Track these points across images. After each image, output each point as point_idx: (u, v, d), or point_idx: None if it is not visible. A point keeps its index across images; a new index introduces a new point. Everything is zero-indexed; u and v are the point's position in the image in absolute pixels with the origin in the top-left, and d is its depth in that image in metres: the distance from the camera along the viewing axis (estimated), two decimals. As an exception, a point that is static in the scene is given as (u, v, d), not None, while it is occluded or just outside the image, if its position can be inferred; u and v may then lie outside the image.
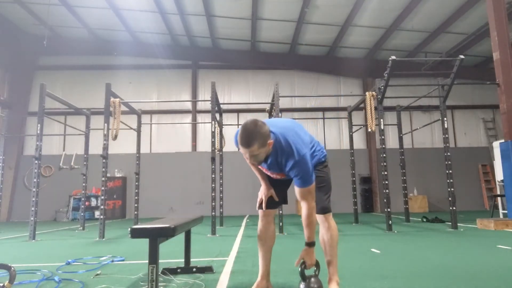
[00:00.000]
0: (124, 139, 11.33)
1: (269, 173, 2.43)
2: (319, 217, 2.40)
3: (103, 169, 6.71)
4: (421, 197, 13.53)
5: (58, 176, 13.60)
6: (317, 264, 2.38)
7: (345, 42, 13.45)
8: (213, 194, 6.88)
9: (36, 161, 6.66)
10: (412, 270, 3.18)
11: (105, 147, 6.79)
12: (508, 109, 7.27)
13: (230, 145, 13.87)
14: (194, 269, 3.19)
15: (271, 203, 2.49)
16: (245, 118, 14.60)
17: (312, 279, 2.30)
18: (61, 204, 13.17)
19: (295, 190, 2.25)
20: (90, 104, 12.03)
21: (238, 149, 2.20)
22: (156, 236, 2.19)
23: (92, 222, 11.07)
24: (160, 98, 14.62)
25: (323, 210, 2.38)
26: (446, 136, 7.17)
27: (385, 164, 6.97)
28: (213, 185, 6.92)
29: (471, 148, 14.78)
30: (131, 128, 9.39)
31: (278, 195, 2.51)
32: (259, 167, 2.42)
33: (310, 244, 2.30)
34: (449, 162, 7.01)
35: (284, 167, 2.22)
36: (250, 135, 2.04)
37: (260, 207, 2.50)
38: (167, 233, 2.21)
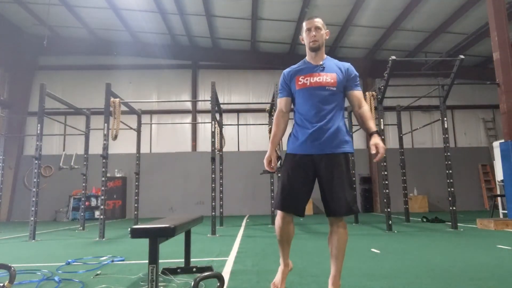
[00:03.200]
0: (124, 139, 11.33)
1: (313, 78, 2.38)
2: (334, 219, 2.31)
3: (103, 169, 6.71)
4: (421, 197, 13.53)
5: (58, 176, 13.60)
6: (220, 278, 2.40)
7: (345, 42, 13.45)
8: (213, 194, 6.88)
9: (36, 161, 6.66)
10: (412, 270, 3.18)
11: (105, 147, 6.78)
12: (508, 109, 7.27)
13: (230, 145, 13.92)
14: (194, 269, 3.19)
15: (292, 206, 2.35)
16: (245, 118, 14.62)
17: None
18: (61, 204, 13.17)
19: (355, 95, 2.42)
20: (90, 104, 12.02)
21: (285, 76, 2.51)
22: (156, 236, 2.18)
23: (92, 222, 11.07)
24: (160, 98, 14.63)
25: (351, 210, 2.28)
26: (446, 136, 7.17)
27: (385, 164, 6.97)
28: (213, 185, 6.92)
29: (471, 148, 14.78)
30: (131, 128, 9.39)
31: (301, 198, 2.36)
32: (302, 80, 2.41)
33: (376, 132, 2.30)
34: (449, 162, 7.01)
35: (343, 68, 2.44)
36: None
37: (279, 207, 2.36)
38: (167, 233, 2.21)
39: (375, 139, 2.25)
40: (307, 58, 2.49)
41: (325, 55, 2.49)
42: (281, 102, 2.52)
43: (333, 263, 2.36)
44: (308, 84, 2.37)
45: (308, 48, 2.45)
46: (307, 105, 2.37)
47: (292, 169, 2.35)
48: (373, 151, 2.24)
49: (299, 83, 2.40)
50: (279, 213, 2.41)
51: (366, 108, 2.40)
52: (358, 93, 2.43)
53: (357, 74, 2.48)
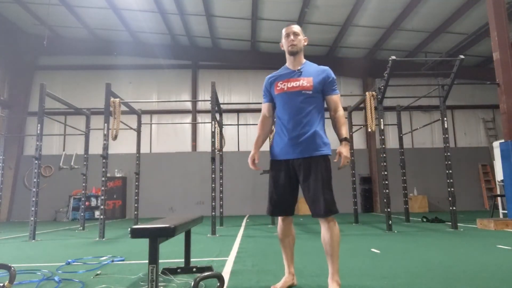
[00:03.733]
0: (124, 139, 11.34)
1: (290, 83, 2.50)
2: (321, 219, 2.41)
3: (103, 169, 6.71)
4: (421, 197, 13.53)
5: (58, 176, 13.60)
6: (220, 278, 2.45)
7: (345, 42, 13.45)
8: (213, 194, 6.88)
9: (36, 161, 6.66)
10: (412, 270, 3.18)
11: (105, 147, 6.79)
12: (508, 109, 7.27)
13: (230, 145, 13.92)
14: (194, 269, 3.19)
15: (280, 210, 2.53)
16: (245, 118, 14.62)
17: None
18: (61, 204, 13.17)
19: (332, 100, 2.52)
20: (90, 104, 12.03)
21: (269, 82, 2.62)
22: (156, 236, 2.18)
23: (92, 222, 11.08)
24: (160, 98, 14.63)
25: (330, 211, 2.35)
26: (446, 136, 7.17)
27: (385, 164, 6.96)
28: (213, 185, 6.92)
29: (471, 148, 14.78)
30: (131, 128, 9.39)
31: (288, 201, 2.52)
32: (279, 86, 2.52)
33: (345, 139, 2.43)
34: (449, 162, 7.01)
35: (321, 72, 2.53)
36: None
37: (270, 212, 2.55)
38: (167, 233, 2.21)
39: (342, 148, 2.42)
40: (287, 64, 2.63)
41: (304, 60, 2.61)
42: (264, 108, 2.68)
43: (329, 262, 2.41)
44: (285, 89, 2.50)
45: (287, 53, 2.58)
46: (285, 109, 2.49)
47: (276, 174, 2.51)
48: (336, 160, 2.43)
49: (278, 88, 2.54)
50: (279, 217, 2.59)
51: (341, 114, 2.52)
52: (335, 97, 2.54)
53: (334, 78, 2.57)
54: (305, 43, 2.61)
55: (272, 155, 2.58)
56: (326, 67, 2.58)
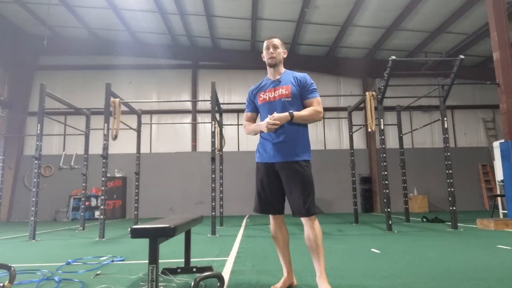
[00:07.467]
0: (124, 139, 11.34)
1: (271, 93, 2.62)
2: (303, 219, 2.49)
3: (103, 169, 6.71)
4: (421, 197, 13.52)
5: (58, 176, 13.60)
6: (220, 278, 2.49)
7: (345, 42, 13.44)
8: (213, 194, 6.87)
9: (36, 161, 6.66)
10: (412, 270, 3.18)
11: (105, 147, 6.78)
12: (508, 109, 7.27)
13: (230, 145, 13.92)
14: (194, 269, 3.19)
15: (269, 209, 2.61)
16: (245, 118, 14.60)
17: None
18: (61, 204, 13.17)
19: (308, 102, 2.58)
20: (90, 104, 12.01)
21: (252, 91, 2.76)
22: (156, 236, 2.19)
23: (92, 222, 11.07)
24: (160, 98, 14.63)
25: (308, 212, 2.45)
26: (446, 136, 7.17)
27: (385, 164, 6.97)
28: (213, 185, 6.92)
29: (471, 148, 14.77)
30: (131, 128, 9.39)
31: (274, 201, 2.59)
32: (262, 96, 2.65)
33: (289, 112, 2.48)
34: (449, 162, 7.01)
35: (297, 79, 2.63)
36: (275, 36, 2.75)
37: (256, 210, 2.64)
38: (167, 233, 2.21)
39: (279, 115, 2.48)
40: (267, 74, 2.77)
41: (284, 70, 2.73)
42: (247, 116, 2.82)
43: (315, 261, 2.48)
44: (267, 98, 2.64)
45: (267, 65, 2.71)
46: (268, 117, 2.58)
47: (261, 176, 2.63)
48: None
49: (260, 98, 2.68)
50: (270, 216, 2.68)
51: (311, 108, 2.56)
52: (312, 100, 2.61)
53: (312, 83, 2.66)
54: (285, 55, 2.71)
55: (258, 159, 2.69)
56: (305, 74, 2.67)
